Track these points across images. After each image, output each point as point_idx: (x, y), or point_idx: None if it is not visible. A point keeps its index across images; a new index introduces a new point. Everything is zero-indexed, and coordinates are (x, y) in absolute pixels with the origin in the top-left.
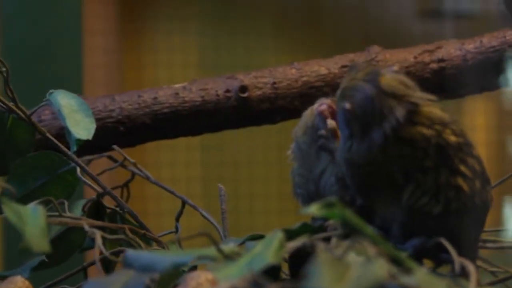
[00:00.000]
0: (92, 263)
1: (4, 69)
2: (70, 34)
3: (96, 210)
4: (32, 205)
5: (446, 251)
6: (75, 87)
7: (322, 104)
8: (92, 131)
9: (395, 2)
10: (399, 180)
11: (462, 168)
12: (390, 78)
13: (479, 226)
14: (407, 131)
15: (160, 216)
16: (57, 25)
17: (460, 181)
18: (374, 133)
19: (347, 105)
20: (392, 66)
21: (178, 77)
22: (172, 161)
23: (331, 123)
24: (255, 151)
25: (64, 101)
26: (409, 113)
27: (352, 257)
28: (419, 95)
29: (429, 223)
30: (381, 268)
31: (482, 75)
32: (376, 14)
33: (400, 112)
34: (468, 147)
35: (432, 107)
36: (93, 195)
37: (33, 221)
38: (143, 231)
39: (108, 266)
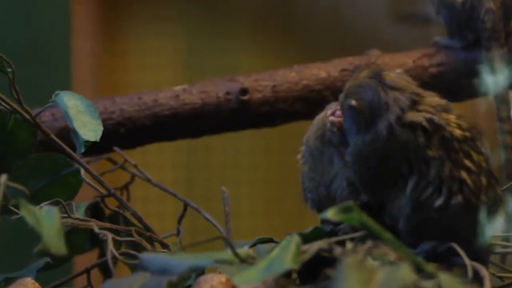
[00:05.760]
0: (96, 265)
1: (9, 69)
2: (58, 36)
3: (95, 212)
4: (46, 207)
5: (457, 254)
6: (64, 89)
7: (336, 112)
8: (100, 133)
9: (369, 6)
10: (404, 170)
11: (467, 162)
12: (393, 75)
13: (488, 226)
14: (411, 116)
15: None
16: (45, 27)
17: (464, 174)
18: (379, 124)
19: (353, 102)
20: (395, 69)
21: (165, 80)
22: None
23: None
24: (242, 154)
25: (71, 102)
26: (412, 102)
27: (369, 262)
28: (421, 90)
29: (432, 216)
30: (407, 272)
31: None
32: (350, 18)
33: (403, 101)
34: (474, 143)
35: (435, 97)
36: (87, 197)
37: (49, 223)
38: (148, 233)
39: (107, 269)
